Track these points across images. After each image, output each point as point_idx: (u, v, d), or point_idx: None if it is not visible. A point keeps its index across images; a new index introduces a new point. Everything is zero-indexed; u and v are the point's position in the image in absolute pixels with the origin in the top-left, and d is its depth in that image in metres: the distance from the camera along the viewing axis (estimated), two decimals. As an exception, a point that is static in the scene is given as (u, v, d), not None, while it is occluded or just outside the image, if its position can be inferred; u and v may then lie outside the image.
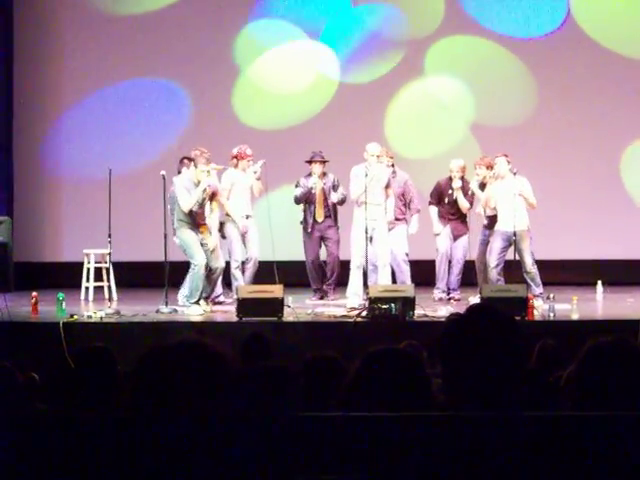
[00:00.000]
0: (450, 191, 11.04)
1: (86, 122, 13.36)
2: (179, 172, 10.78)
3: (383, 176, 10.46)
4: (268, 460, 2.51)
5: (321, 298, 10.99)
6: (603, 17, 13.07)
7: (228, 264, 10.81)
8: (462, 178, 11.01)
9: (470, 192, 11.01)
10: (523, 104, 13.05)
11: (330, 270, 11.06)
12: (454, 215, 11.12)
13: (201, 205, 10.12)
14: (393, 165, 10.99)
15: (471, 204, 11.10)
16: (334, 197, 10.91)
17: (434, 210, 11.17)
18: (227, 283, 10.83)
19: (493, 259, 10.53)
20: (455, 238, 11.13)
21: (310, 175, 11.06)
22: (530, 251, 10.56)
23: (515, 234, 10.31)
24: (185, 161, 10.85)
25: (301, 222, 11.15)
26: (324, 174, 11.04)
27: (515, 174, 10.45)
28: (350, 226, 10.51)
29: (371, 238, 10.27)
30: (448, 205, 11.11)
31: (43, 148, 13.49)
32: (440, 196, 11.15)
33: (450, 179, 11.09)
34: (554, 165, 12.66)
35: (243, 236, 10.77)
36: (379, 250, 10.34)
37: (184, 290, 10.20)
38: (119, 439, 2.50)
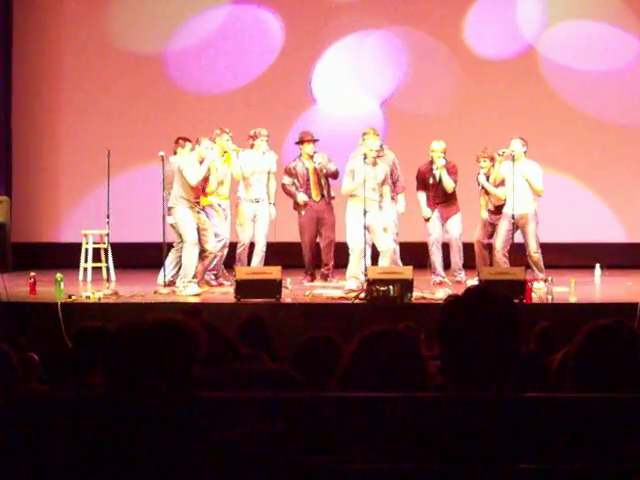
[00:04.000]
0: (435, 171, 10.84)
1: (86, 104, 13.34)
2: (175, 152, 10.75)
3: (380, 173, 10.34)
4: (262, 440, 2.51)
5: (312, 280, 10.90)
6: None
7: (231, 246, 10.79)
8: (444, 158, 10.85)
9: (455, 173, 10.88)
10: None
11: (326, 255, 10.96)
12: (440, 199, 10.97)
13: (205, 180, 10.07)
14: (381, 145, 10.84)
15: (455, 182, 10.92)
16: (331, 166, 10.79)
17: (422, 195, 11.00)
18: (227, 265, 10.79)
19: (499, 242, 10.49)
20: (446, 219, 11.01)
21: (299, 157, 10.93)
22: (535, 235, 10.49)
23: (518, 217, 10.28)
24: (180, 141, 10.81)
25: (296, 203, 10.99)
26: (314, 153, 10.91)
27: (514, 157, 10.38)
28: (345, 207, 10.38)
29: (368, 227, 10.13)
30: (433, 188, 10.96)
31: (41, 128, 13.45)
32: (424, 181, 11.01)
33: (430, 162, 10.92)
34: (553, 145, 12.61)
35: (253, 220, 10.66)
36: (378, 236, 10.26)
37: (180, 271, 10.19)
38: (110, 419, 2.50)
